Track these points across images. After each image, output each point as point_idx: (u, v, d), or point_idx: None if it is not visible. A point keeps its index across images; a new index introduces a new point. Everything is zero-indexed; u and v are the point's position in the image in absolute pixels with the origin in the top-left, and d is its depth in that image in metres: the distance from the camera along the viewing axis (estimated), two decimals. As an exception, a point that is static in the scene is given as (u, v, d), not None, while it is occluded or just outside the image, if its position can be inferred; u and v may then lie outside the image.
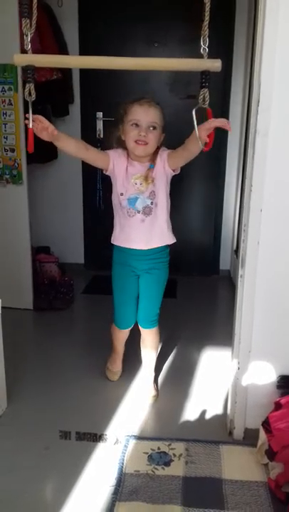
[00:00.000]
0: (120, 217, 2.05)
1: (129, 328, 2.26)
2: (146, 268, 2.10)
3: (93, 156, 1.99)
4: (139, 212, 2.00)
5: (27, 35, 1.41)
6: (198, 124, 1.53)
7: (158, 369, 2.42)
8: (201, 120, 1.56)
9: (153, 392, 2.26)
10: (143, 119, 1.90)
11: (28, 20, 1.39)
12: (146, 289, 2.15)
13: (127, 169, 1.99)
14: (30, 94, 1.45)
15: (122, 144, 2.00)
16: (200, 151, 1.71)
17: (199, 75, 1.44)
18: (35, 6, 1.42)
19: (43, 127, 1.66)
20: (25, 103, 1.54)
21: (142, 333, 2.25)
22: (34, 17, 1.42)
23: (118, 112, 1.98)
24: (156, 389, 2.30)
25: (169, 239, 2.09)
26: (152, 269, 2.10)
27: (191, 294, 3.51)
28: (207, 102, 1.45)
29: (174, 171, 2.00)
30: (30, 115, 1.54)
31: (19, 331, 2.84)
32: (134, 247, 2.05)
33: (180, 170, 2.02)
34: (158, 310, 2.19)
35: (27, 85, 1.45)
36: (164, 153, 1.99)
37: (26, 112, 1.57)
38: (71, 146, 1.89)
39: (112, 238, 2.12)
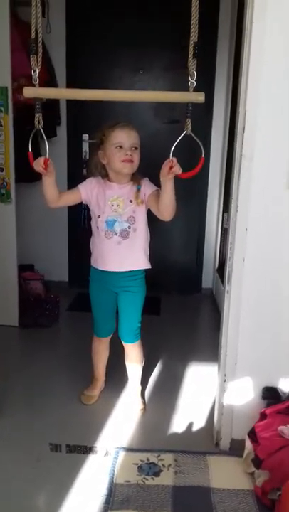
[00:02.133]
0: (97, 241, 2.15)
1: (108, 339, 2.33)
2: (122, 286, 2.18)
3: (65, 201, 2.13)
4: (116, 234, 2.09)
5: (35, 71, 1.55)
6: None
7: (144, 383, 2.48)
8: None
9: (140, 406, 2.31)
10: (126, 141, 2.02)
11: (36, 57, 1.52)
12: (125, 306, 2.23)
13: (105, 192, 2.09)
14: (39, 122, 1.64)
15: (100, 169, 2.11)
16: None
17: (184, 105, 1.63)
18: (40, 44, 1.55)
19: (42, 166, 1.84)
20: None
21: (125, 348, 2.31)
22: (40, 54, 1.54)
23: (97, 138, 2.10)
24: (144, 402, 2.35)
25: (144, 264, 2.18)
26: (129, 287, 2.19)
27: (175, 312, 3.59)
28: (190, 130, 1.66)
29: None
30: (30, 142, 1.72)
31: (5, 348, 2.87)
32: (109, 270, 2.15)
33: None
34: (138, 324, 2.26)
35: (36, 115, 1.63)
36: (148, 186, 2.09)
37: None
38: (53, 190, 2.00)
39: (91, 261, 2.22)
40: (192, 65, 1.58)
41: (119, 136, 2.02)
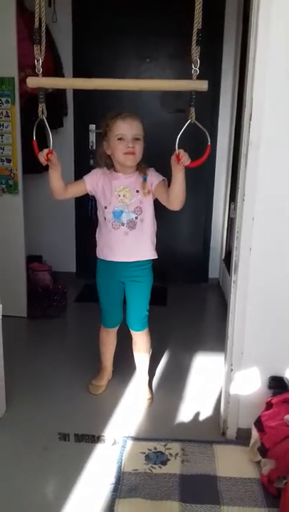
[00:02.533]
0: (104, 232, 2.15)
1: (116, 329, 2.35)
2: (129, 276, 2.19)
3: (71, 193, 2.14)
4: (123, 225, 2.10)
5: (38, 61, 1.55)
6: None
7: (151, 373, 2.49)
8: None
9: (148, 395, 2.33)
10: (128, 132, 2.01)
11: (39, 46, 1.52)
12: (133, 295, 2.24)
13: (111, 183, 2.10)
14: (42, 112, 1.64)
15: (105, 160, 2.11)
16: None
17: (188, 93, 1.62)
18: (43, 34, 1.54)
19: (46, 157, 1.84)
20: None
21: (133, 336, 2.32)
22: (43, 43, 1.53)
23: (102, 129, 2.10)
24: (151, 392, 2.37)
25: (151, 254, 2.19)
26: (136, 277, 2.19)
27: (181, 302, 3.59)
28: (194, 119, 1.64)
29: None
30: (34, 131, 1.72)
31: (13, 339, 2.88)
32: (116, 260, 2.15)
33: None
34: (146, 312, 2.28)
35: (40, 105, 1.63)
36: (154, 176, 2.09)
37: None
38: (59, 183, 2.03)
39: (97, 253, 2.22)
40: (195, 52, 1.56)
41: (121, 127, 2.01)
